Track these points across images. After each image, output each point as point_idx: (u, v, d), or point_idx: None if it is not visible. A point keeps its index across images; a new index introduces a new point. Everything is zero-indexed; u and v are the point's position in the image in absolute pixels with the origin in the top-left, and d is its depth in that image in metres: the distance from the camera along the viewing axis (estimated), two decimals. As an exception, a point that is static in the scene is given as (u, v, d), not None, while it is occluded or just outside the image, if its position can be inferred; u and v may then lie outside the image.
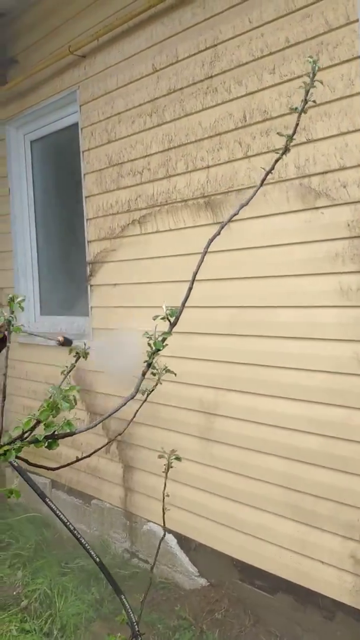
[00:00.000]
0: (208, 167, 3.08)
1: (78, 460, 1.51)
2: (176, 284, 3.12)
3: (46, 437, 1.29)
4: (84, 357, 1.42)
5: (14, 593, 3.58)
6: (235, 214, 1.40)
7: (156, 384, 1.38)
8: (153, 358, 1.34)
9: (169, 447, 3.44)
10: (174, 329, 1.30)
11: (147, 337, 1.31)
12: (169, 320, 1.30)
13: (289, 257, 2.70)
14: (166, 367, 1.39)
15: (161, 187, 3.36)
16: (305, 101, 1.33)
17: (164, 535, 1.94)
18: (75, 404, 1.24)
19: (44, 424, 1.25)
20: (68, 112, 4.23)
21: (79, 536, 2.45)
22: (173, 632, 3.01)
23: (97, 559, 2.27)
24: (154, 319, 1.29)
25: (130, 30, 3.49)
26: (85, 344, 1.46)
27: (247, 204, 1.39)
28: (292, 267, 2.69)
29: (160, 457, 1.66)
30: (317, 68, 1.34)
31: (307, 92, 1.33)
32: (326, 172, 2.54)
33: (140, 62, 3.46)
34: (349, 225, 2.47)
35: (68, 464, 1.50)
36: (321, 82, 1.43)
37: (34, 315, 4.77)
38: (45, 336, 3.35)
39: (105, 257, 3.83)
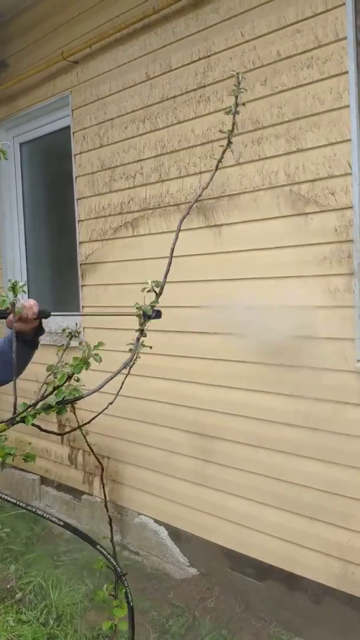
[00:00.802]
0: (200, 172, 3.21)
1: (80, 426, 1.79)
2: (167, 285, 3.23)
3: (58, 403, 1.47)
4: (76, 336, 1.61)
5: (8, 586, 3.66)
6: (199, 195, 1.86)
7: (134, 357, 1.61)
8: (145, 325, 1.63)
9: (159, 441, 3.57)
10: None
11: (137, 308, 1.62)
12: (155, 292, 1.67)
13: (280, 260, 2.85)
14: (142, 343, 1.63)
15: (154, 190, 3.48)
16: (236, 104, 1.77)
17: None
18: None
19: (56, 392, 1.48)
20: (59, 116, 4.32)
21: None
22: (167, 619, 3.13)
23: (61, 522, 2.22)
24: (142, 291, 1.65)
25: (124, 39, 3.60)
26: (77, 325, 1.72)
27: (207, 187, 1.87)
28: (282, 269, 2.84)
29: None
30: (241, 78, 1.76)
31: (236, 97, 1.77)
32: (315, 180, 2.69)
33: (133, 70, 3.57)
34: (336, 230, 2.62)
35: (72, 430, 1.81)
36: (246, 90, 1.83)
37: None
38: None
39: (97, 258, 3.94)
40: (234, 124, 1.79)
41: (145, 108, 3.51)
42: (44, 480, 4.65)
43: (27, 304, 1.90)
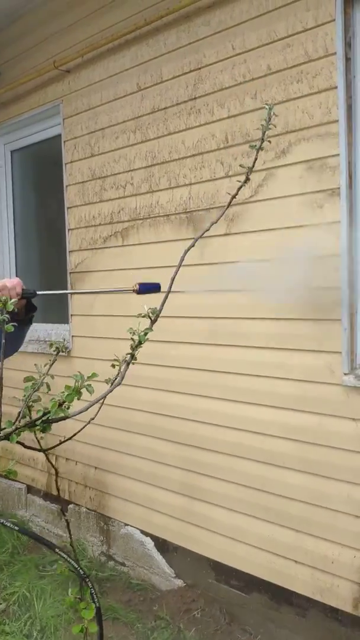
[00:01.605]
0: (190, 184, 3.22)
1: (61, 443, 1.82)
2: (156, 295, 3.24)
3: (42, 421, 1.46)
4: (63, 351, 1.57)
5: (-8, 597, 3.64)
6: (207, 230, 1.80)
7: (121, 372, 1.57)
8: (136, 350, 1.57)
9: (146, 451, 3.56)
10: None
11: (131, 333, 1.55)
12: (150, 318, 1.60)
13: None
14: (131, 354, 1.59)
15: (144, 201, 3.49)
16: (262, 140, 1.76)
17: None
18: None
19: (37, 411, 1.47)
20: (50, 124, 4.33)
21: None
22: (151, 631, 3.11)
23: (16, 527, 2.21)
24: (137, 316, 1.59)
25: (115, 49, 3.62)
26: (64, 340, 1.68)
27: (216, 221, 1.84)
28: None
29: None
30: (272, 113, 1.76)
31: (263, 133, 1.77)
32: (304, 193, 2.71)
33: (124, 80, 3.58)
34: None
35: (53, 447, 1.79)
36: (275, 126, 1.88)
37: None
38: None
39: (87, 267, 3.93)
40: (255, 159, 1.76)
41: (136, 119, 3.52)
42: (30, 489, 4.62)
43: (10, 283, 1.87)
